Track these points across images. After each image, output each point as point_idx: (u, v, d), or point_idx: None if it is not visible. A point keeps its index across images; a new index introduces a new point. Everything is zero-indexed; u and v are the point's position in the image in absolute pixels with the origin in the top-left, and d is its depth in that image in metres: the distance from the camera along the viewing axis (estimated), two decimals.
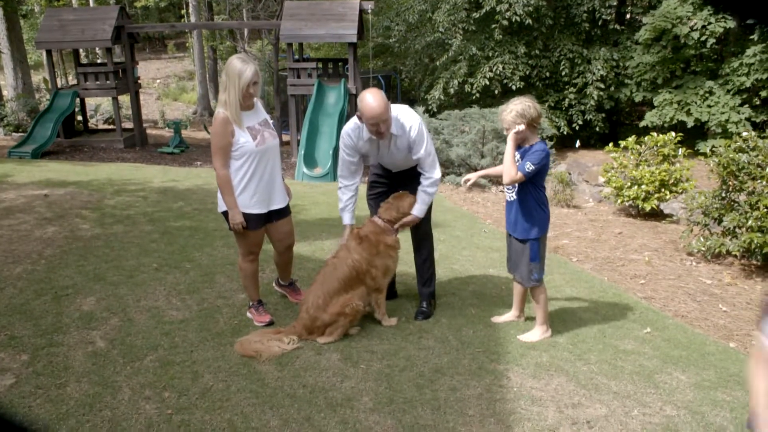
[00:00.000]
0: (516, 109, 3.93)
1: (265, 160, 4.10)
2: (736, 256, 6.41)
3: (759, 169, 6.14)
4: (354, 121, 4.25)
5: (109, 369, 3.68)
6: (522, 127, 3.93)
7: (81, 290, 4.78)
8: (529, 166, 3.91)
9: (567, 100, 14.82)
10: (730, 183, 6.42)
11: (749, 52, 12.70)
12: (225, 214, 4.13)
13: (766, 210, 5.89)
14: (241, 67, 3.88)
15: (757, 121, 12.96)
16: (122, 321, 4.31)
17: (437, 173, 4.35)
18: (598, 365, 3.98)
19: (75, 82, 15.27)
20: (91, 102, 17.94)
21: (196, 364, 3.78)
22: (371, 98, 3.97)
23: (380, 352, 4.00)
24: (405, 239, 4.61)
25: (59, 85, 14.79)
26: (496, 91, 14.49)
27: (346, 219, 4.47)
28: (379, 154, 4.36)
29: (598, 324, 4.63)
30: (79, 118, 15.42)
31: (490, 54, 14.50)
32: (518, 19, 13.76)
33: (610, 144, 9.12)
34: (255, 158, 4.02)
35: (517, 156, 4.05)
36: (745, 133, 6.62)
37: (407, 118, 4.20)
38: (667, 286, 5.78)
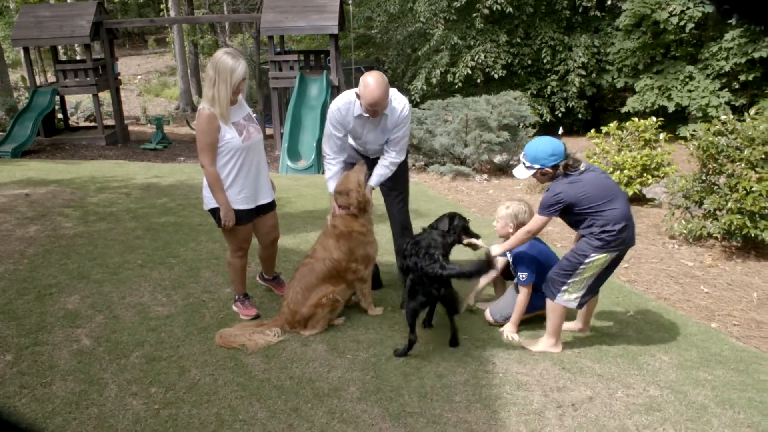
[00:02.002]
0: (513, 207, 4.27)
1: (251, 155, 4.07)
2: (716, 238, 6.49)
3: (738, 151, 6.21)
4: (347, 97, 4.27)
5: (95, 366, 3.67)
6: (510, 230, 4.24)
7: (65, 289, 4.76)
8: (524, 276, 4.15)
9: (549, 87, 14.89)
10: (710, 166, 6.48)
11: (727, 36, 12.81)
12: (212, 211, 4.11)
13: (745, 192, 5.96)
14: (233, 64, 3.81)
15: (737, 104, 13.09)
16: (107, 318, 4.29)
17: (402, 157, 4.43)
18: (583, 349, 4.03)
19: (54, 79, 15.11)
20: (71, 99, 17.76)
21: (183, 358, 3.78)
22: (373, 82, 3.99)
23: (366, 342, 4.02)
24: (385, 231, 4.62)
25: (38, 83, 14.63)
26: (479, 80, 14.52)
27: (332, 187, 4.48)
28: (364, 134, 4.36)
29: None
30: (60, 115, 15.27)
31: (472, 43, 14.53)
32: (499, 7, 13.79)
33: (593, 130, 9.18)
34: (242, 154, 3.99)
35: (509, 258, 4.30)
36: (723, 117, 6.68)
37: (398, 99, 4.27)
38: (650, 269, 5.84)
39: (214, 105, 3.85)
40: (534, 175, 3.81)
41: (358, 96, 4.14)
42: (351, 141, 4.54)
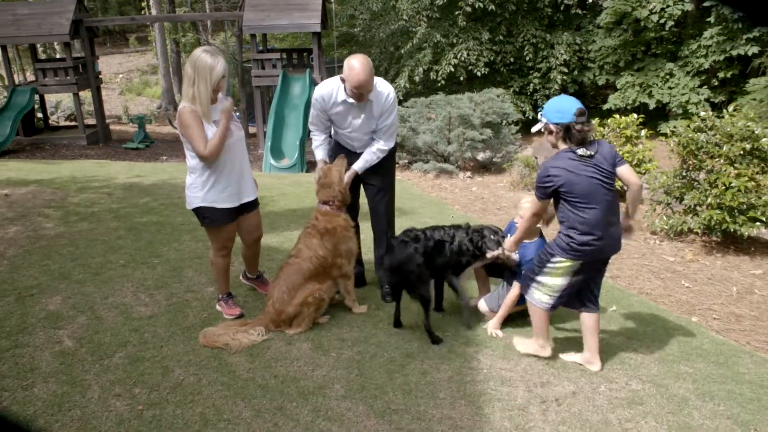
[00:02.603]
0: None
1: (234, 152, 4.05)
2: (697, 233, 6.57)
3: (717, 147, 6.29)
4: (330, 84, 4.26)
5: (77, 368, 3.64)
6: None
7: (46, 290, 4.71)
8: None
9: (532, 84, 14.97)
10: (690, 162, 6.56)
11: (706, 34, 12.95)
12: (195, 210, 4.09)
13: (724, 187, 6.04)
14: (211, 62, 3.79)
15: (716, 101, 13.25)
16: (90, 319, 4.25)
17: (391, 144, 4.43)
18: (566, 344, 4.06)
19: (33, 78, 14.93)
20: (51, 98, 17.55)
21: (166, 358, 3.76)
22: (359, 65, 4.00)
23: (351, 340, 4.02)
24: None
25: (16, 82, 14.44)
26: (462, 78, 14.56)
27: (320, 155, 4.52)
28: (350, 120, 4.34)
29: None
30: (39, 115, 15.09)
31: (455, 41, 14.56)
32: (481, 5, 13.84)
33: None
34: (224, 152, 3.96)
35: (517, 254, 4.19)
36: (703, 114, 6.76)
37: (383, 85, 4.28)
38: (632, 264, 5.90)
39: (195, 103, 3.84)
40: (543, 133, 3.64)
41: (342, 81, 4.14)
42: (338, 132, 4.51)
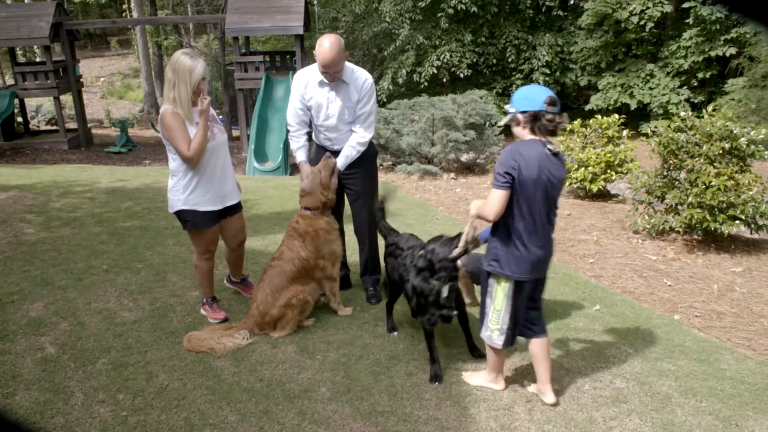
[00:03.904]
0: None
1: (216, 155, 4.05)
2: (678, 232, 6.64)
3: (697, 147, 6.36)
4: (309, 67, 4.35)
5: (60, 374, 3.60)
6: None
7: (27, 296, 4.66)
8: None
9: (514, 86, 15.01)
10: (671, 162, 6.63)
11: (685, 35, 13.11)
12: (177, 214, 4.08)
13: (704, 186, 6.11)
14: (191, 64, 3.81)
15: (696, 101, 13.41)
16: (72, 325, 4.21)
17: (370, 135, 4.44)
18: (551, 344, 4.08)
19: (12, 82, 14.75)
20: (31, 102, 17.35)
21: (151, 364, 3.73)
22: (328, 43, 4.06)
23: (336, 342, 4.02)
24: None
25: None
26: (445, 80, 14.61)
27: (301, 156, 4.53)
28: (327, 106, 4.34)
29: (549, 304, 4.74)
30: (19, 119, 14.89)
31: (437, 42, 14.60)
32: (464, 7, 13.89)
33: None
34: (206, 155, 3.96)
35: None
36: (683, 114, 6.84)
37: (360, 70, 4.34)
38: (615, 263, 5.95)
39: (176, 106, 3.83)
40: (511, 125, 3.19)
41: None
42: (316, 128, 4.51)
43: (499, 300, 3.27)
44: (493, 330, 3.32)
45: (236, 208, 4.31)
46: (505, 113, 3.23)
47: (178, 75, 3.79)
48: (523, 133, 3.15)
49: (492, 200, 3.07)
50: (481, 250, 4.55)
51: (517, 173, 3.02)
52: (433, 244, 3.57)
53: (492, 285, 3.28)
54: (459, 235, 3.44)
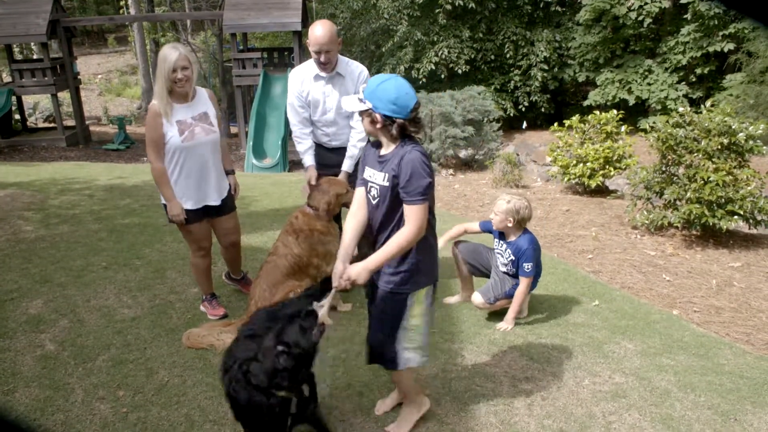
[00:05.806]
0: (514, 203, 4.12)
1: (194, 156, 3.90)
2: (677, 227, 6.65)
3: (695, 142, 6.36)
4: (305, 64, 4.34)
5: (60, 371, 3.60)
6: (509, 224, 4.14)
7: (27, 293, 4.65)
8: (528, 267, 4.13)
9: (512, 82, 15.05)
10: (669, 157, 6.63)
11: (684, 31, 13.13)
12: (164, 206, 4.05)
13: (703, 182, 6.12)
14: (166, 53, 3.71)
15: (694, 97, 13.43)
16: (72, 322, 4.21)
17: None
18: (550, 339, 4.10)
19: (10, 79, 14.72)
20: (28, 100, 17.32)
21: (150, 360, 3.73)
22: (319, 26, 4.06)
23: (335, 338, 4.02)
24: None
25: None
26: (443, 76, 14.61)
27: (309, 160, 4.50)
28: (324, 100, 4.33)
29: (548, 300, 4.76)
30: (17, 116, 14.88)
31: (435, 39, 14.60)
32: (462, 3, 13.89)
33: (556, 124, 9.31)
34: (181, 154, 3.85)
35: (509, 253, 4.20)
36: (681, 109, 6.84)
37: (358, 64, 4.35)
38: (614, 259, 5.95)
39: (157, 99, 3.81)
40: (361, 116, 2.76)
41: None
42: (315, 125, 4.48)
43: (417, 313, 2.88)
44: (413, 350, 2.93)
45: (224, 208, 4.21)
46: (360, 100, 2.71)
47: (158, 67, 3.77)
48: (376, 133, 2.75)
49: (419, 217, 2.66)
50: (483, 240, 4.58)
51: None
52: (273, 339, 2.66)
53: (410, 303, 2.87)
54: (311, 312, 2.84)
